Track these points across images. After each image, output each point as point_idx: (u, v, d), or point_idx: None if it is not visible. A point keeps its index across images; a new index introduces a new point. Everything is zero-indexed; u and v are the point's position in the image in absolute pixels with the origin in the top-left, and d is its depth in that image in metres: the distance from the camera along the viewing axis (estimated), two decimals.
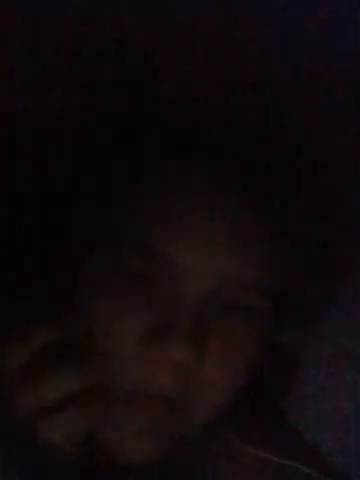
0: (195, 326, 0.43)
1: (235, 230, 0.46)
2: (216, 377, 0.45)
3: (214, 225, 0.46)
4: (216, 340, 0.44)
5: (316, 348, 0.55)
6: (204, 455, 0.48)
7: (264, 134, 0.47)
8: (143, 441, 0.43)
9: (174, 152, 0.47)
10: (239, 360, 0.46)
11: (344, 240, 0.53)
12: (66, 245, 0.48)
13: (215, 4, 0.44)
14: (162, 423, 0.43)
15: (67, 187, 0.48)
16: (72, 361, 0.39)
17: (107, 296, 0.44)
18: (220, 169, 0.47)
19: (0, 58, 0.46)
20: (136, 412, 0.43)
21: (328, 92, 0.47)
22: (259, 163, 0.47)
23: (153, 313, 0.43)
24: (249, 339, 0.47)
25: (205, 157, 0.47)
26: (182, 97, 0.47)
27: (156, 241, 0.44)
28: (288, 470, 0.48)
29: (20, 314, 0.44)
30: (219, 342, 0.45)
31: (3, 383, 0.39)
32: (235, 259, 0.45)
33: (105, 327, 0.43)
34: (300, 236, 0.51)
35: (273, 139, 0.47)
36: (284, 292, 0.49)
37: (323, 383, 0.54)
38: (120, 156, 0.48)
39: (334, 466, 0.50)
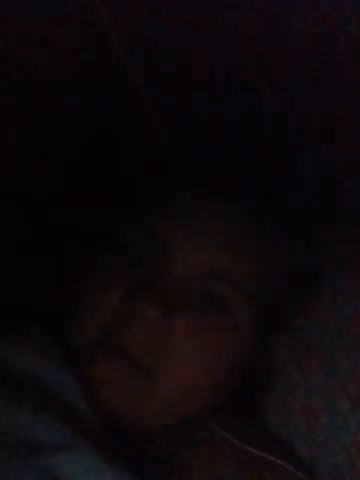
0: (170, 297, 0.47)
1: (224, 230, 0.50)
2: (183, 355, 0.47)
3: (208, 223, 0.49)
4: (186, 318, 0.47)
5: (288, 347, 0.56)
6: (192, 449, 0.49)
7: (252, 140, 0.49)
8: (110, 391, 0.46)
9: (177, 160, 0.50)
10: (211, 349, 0.48)
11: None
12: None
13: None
14: (127, 377, 0.46)
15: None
16: None
17: (103, 259, 0.50)
18: (217, 180, 0.50)
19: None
20: (105, 363, 0.46)
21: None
22: (247, 172, 0.50)
23: (137, 278, 0.48)
24: (222, 333, 0.49)
25: (204, 167, 0.49)
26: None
27: (159, 228, 0.49)
28: (273, 467, 0.48)
29: None
30: (189, 321, 0.47)
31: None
32: (221, 254, 0.49)
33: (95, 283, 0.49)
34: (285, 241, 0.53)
35: (260, 146, 0.49)
36: (265, 295, 0.51)
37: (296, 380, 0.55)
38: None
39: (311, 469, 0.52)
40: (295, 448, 0.53)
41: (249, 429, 0.52)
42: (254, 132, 0.49)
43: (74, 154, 0.51)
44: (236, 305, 0.49)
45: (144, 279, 0.47)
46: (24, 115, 0.48)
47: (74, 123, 0.50)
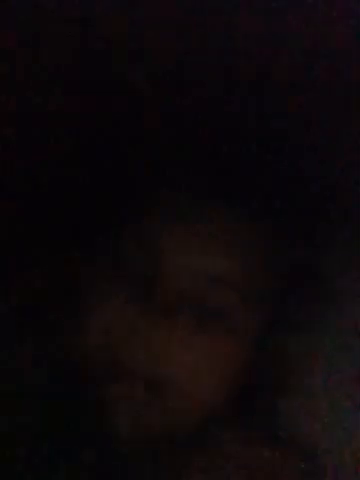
0: (170, 299, 0.47)
1: (224, 231, 0.50)
2: (184, 358, 0.47)
3: (207, 224, 0.49)
4: (186, 320, 0.47)
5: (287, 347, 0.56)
6: (192, 450, 0.49)
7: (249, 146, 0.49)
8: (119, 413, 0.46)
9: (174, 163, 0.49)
10: (211, 352, 0.48)
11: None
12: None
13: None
14: (135, 398, 0.46)
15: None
16: None
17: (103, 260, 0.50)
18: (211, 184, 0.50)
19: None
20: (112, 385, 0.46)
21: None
22: (247, 172, 0.50)
23: (136, 279, 0.48)
24: (222, 336, 0.49)
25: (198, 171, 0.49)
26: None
27: (155, 238, 0.49)
28: (274, 468, 0.49)
29: None
30: (189, 323, 0.47)
31: None
32: (220, 255, 0.49)
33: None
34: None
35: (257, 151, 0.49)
36: (265, 296, 0.51)
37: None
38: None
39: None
40: (296, 449, 0.53)
41: (249, 430, 0.53)
42: (254, 132, 0.49)
43: (73, 154, 0.51)
44: (235, 307, 0.49)
45: (143, 280, 0.47)
46: (24, 115, 0.49)
47: (74, 123, 0.50)
